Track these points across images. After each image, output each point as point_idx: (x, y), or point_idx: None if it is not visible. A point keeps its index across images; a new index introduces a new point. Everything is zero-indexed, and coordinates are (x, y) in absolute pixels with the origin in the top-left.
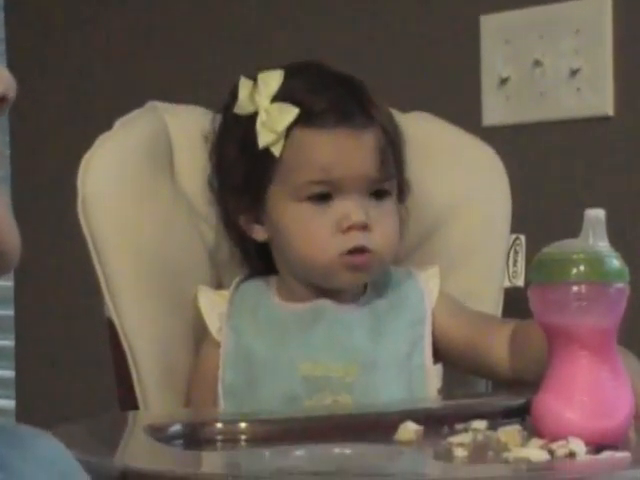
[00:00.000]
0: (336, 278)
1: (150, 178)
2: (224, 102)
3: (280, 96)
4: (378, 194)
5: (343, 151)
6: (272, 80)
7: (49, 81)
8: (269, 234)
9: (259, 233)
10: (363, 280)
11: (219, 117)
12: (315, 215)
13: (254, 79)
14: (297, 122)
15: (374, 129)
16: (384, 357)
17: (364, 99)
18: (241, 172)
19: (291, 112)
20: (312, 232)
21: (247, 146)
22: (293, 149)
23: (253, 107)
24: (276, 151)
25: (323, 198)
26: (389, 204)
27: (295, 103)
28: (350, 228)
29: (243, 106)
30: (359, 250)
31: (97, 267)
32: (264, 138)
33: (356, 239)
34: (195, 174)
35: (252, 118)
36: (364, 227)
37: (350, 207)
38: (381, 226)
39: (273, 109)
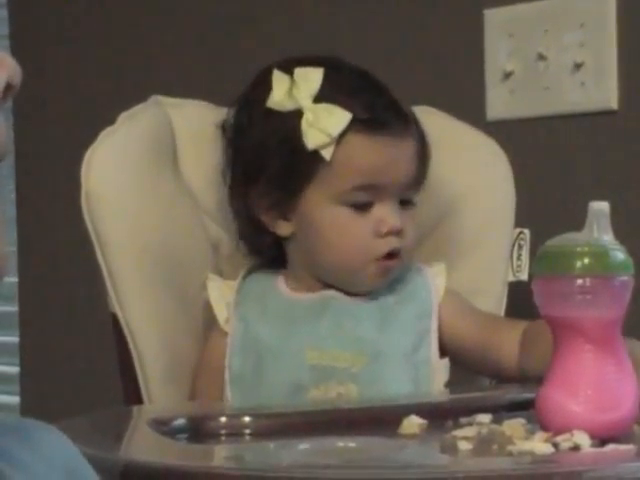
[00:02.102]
0: (364, 281)
1: (153, 172)
2: (248, 94)
3: (323, 96)
4: (404, 203)
5: (390, 159)
6: (313, 78)
7: (52, 76)
8: (295, 230)
9: (283, 228)
10: (386, 284)
11: (236, 109)
12: (354, 220)
13: (288, 73)
14: (347, 126)
15: (411, 137)
16: (391, 348)
17: (400, 107)
18: (276, 169)
19: (344, 116)
20: (352, 237)
21: (286, 144)
22: (342, 154)
23: (293, 104)
24: (327, 154)
25: (364, 205)
26: (412, 211)
27: (342, 106)
28: (387, 233)
29: (280, 102)
30: (391, 255)
31: (101, 261)
32: (314, 140)
33: (392, 243)
34: (198, 168)
35: (292, 115)
36: (399, 232)
37: (387, 212)
38: (407, 232)
39: (321, 110)
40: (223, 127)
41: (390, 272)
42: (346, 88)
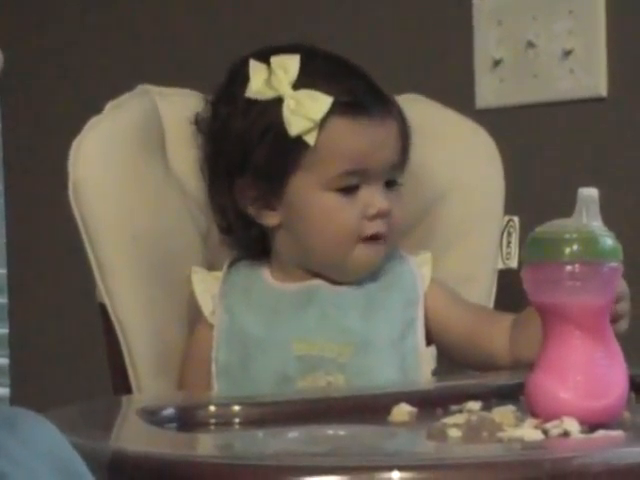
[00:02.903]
0: (352, 267)
1: (141, 161)
2: (225, 87)
3: (303, 83)
4: (389, 183)
5: (376, 141)
6: (291, 66)
7: (39, 64)
8: (282, 220)
9: (270, 218)
10: (374, 269)
11: (214, 103)
12: (342, 205)
13: (264, 62)
14: (329, 111)
15: (392, 118)
16: (377, 337)
17: (379, 88)
18: (261, 159)
19: (325, 101)
20: (341, 222)
21: (269, 133)
22: (327, 138)
23: (272, 93)
24: (310, 140)
25: (352, 188)
26: (398, 193)
27: (322, 91)
28: (375, 216)
29: (259, 91)
30: (375, 237)
31: (89, 251)
32: (297, 126)
33: (379, 226)
34: (186, 156)
35: (273, 104)
36: (387, 213)
37: (374, 195)
38: (394, 212)
39: (302, 97)
40: (197, 121)
41: (378, 254)
42: (324, 73)
